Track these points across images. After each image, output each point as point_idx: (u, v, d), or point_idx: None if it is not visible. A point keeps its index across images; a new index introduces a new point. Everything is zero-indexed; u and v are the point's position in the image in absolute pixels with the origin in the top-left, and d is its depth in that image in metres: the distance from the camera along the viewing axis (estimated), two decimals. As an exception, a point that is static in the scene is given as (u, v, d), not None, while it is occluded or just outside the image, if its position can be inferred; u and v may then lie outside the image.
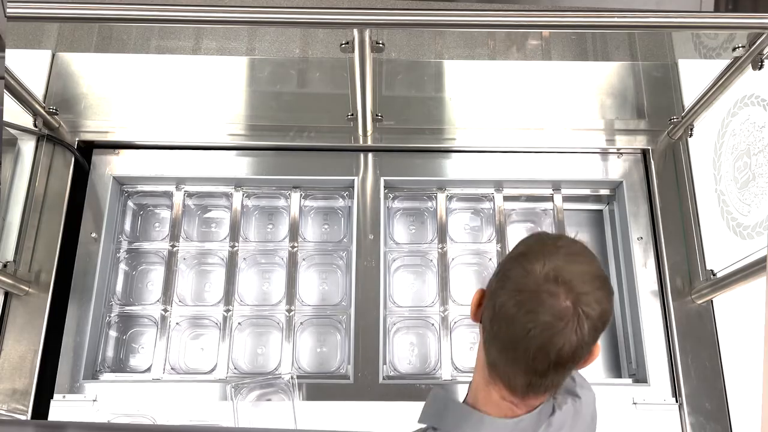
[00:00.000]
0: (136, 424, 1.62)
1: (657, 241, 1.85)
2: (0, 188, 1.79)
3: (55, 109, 1.88)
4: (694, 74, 1.98)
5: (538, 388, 0.91)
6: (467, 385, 1.15)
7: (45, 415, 1.64)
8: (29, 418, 1.62)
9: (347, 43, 1.57)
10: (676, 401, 1.68)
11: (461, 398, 1.03)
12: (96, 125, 1.94)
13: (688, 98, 1.94)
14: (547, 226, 2.00)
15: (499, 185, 1.97)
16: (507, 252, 1.88)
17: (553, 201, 1.97)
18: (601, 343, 2.18)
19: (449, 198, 1.98)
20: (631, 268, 1.83)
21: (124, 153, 1.93)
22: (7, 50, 1.38)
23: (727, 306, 1.74)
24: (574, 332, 0.84)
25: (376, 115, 1.91)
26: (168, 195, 1.96)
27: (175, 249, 1.89)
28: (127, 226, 1.96)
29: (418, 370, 1.85)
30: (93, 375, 1.74)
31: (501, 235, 1.92)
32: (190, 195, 1.97)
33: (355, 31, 1.53)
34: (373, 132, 1.94)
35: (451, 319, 1.84)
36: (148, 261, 1.96)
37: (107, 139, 1.93)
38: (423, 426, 1.00)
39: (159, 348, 1.78)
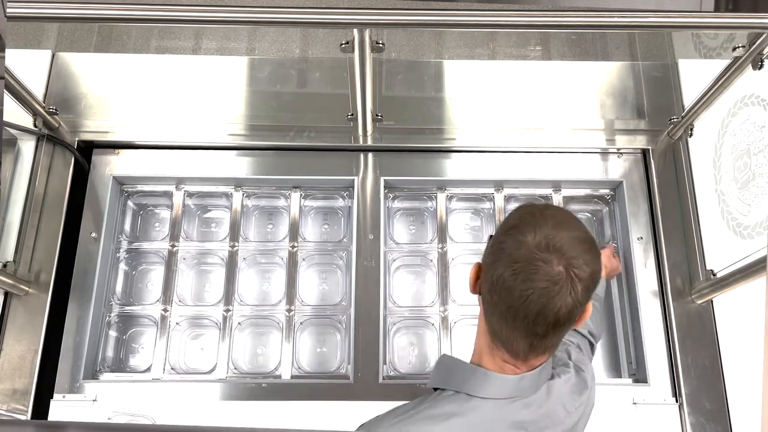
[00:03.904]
0: (136, 424, 1.62)
1: (657, 241, 1.85)
2: (0, 188, 1.79)
3: (55, 109, 1.88)
4: (694, 74, 1.98)
5: (539, 349, 0.98)
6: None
7: (45, 415, 1.64)
8: (29, 418, 1.62)
9: (347, 43, 1.57)
10: (676, 401, 1.68)
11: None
12: (96, 125, 1.94)
13: (688, 98, 1.94)
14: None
15: (499, 185, 1.97)
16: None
17: (553, 201, 1.97)
18: (601, 343, 2.16)
19: (449, 198, 1.98)
20: (631, 268, 1.83)
21: (124, 153, 1.93)
22: (7, 50, 1.38)
23: (727, 306, 1.74)
24: (569, 294, 0.91)
25: (376, 115, 1.91)
26: (168, 195, 1.96)
27: (175, 249, 1.89)
28: (127, 226, 1.96)
29: (418, 370, 1.85)
30: (93, 375, 1.74)
31: (501, 235, 1.92)
32: (190, 195, 1.97)
33: (355, 31, 1.53)
34: (373, 132, 1.94)
35: (451, 319, 1.84)
36: (148, 261, 1.95)
37: (107, 139, 1.93)
38: (431, 390, 1.06)
39: (159, 348, 1.78)
